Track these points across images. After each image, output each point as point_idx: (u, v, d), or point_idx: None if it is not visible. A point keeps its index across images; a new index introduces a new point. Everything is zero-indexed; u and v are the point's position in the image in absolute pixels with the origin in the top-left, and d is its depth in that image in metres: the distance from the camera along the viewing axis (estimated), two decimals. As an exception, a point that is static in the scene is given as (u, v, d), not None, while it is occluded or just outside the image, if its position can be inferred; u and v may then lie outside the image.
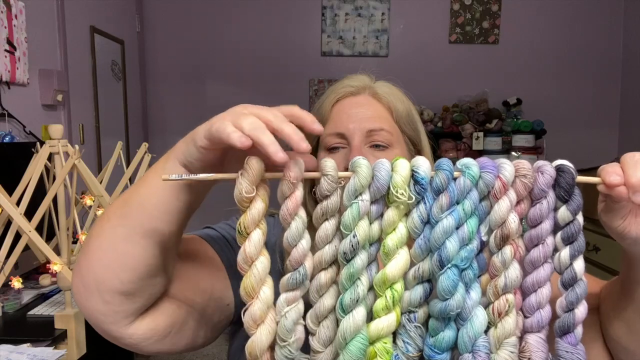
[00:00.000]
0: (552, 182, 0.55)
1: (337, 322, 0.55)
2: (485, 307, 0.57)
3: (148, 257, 0.57)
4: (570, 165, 0.56)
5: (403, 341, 0.57)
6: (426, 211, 0.55)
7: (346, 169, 0.55)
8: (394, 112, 0.83)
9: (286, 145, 0.51)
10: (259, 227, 0.53)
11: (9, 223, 1.53)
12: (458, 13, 3.92)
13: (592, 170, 0.60)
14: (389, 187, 0.54)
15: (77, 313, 1.55)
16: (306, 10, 3.95)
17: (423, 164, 0.54)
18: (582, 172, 0.56)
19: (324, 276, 0.55)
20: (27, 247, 1.54)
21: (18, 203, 1.51)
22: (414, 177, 0.54)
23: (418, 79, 3.73)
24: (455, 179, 0.55)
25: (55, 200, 1.56)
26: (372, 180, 0.54)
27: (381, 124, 0.80)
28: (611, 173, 0.54)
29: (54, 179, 1.60)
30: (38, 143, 1.84)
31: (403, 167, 0.54)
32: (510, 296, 0.56)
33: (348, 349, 0.54)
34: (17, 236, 1.51)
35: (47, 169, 1.74)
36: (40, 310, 1.75)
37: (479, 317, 0.55)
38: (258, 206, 0.52)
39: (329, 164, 0.53)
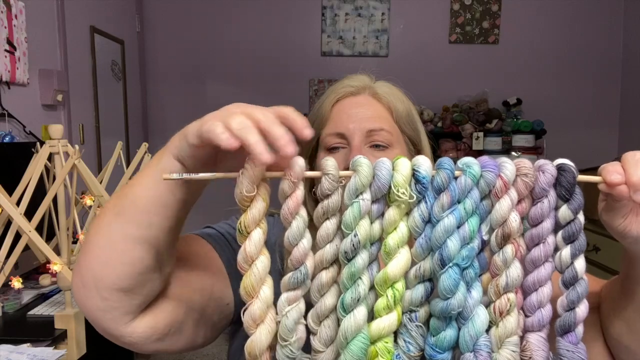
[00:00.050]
0: (553, 181, 0.55)
1: (338, 322, 0.55)
2: (487, 306, 0.57)
3: (145, 253, 0.57)
4: (572, 164, 0.56)
5: (404, 340, 0.57)
6: (427, 210, 0.54)
7: (346, 169, 0.55)
8: (394, 112, 0.83)
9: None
10: (259, 227, 0.53)
11: (9, 223, 1.53)
12: (458, 13, 3.92)
13: (592, 170, 0.59)
14: (390, 186, 0.54)
15: (77, 313, 1.55)
16: (306, 10, 3.95)
17: (424, 162, 0.54)
18: (582, 172, 0.56)
19: (325, 275, 0.55)
20: (27, 247, 1.54)
21: (18, 203, 1.51)
22: (415, 176, 0.54)
23: (418, 79, 3.72)
24: (456, 178, 0.55)
25: (55, 200, 1.56)
26: (373, 179, 0.54)
27: (381, 124, 0.80)
28: (612, 172, 0.54)
29: (54, 179, 1.60)
30: (38, 143, 1.84)
31: (404, 166, 0.54)
32: (511, 295, 0.56)
33: (349, 348, 0.54)
34: (17, 236, 1.51)
35: (47, 169, 1.74)
36: (40, 310, 1.75)
37: (481, 316, 0.55)
38: (259, 205, 0.52)
39: (330, 162, 0.53)
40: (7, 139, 2.13)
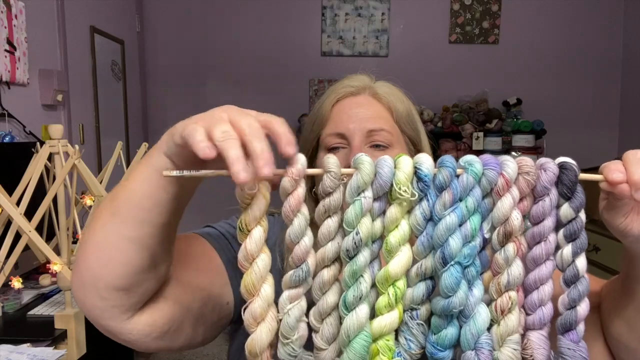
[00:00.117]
0: (554, 179, 0.55)
1: (340, 320, 0.55)
2: (488, 304, 0.57)
3: (141, 250, 0.57)
4: (573, 162, 0.56)
5: (405, 338, 0.57)
6: (429, 208, 0.54)
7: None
8: (394, 112, 0.83)
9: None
10: (260, 225, 0.53)
11: (9, 223, 1.53)
12: (458, 13, 3.92)
13: (592, 170, 0.59)
14: (391, 184, 0.54)
15: (77, 313, 1.55)
16: (306, 10, 3.95)
17: (426, 160, 0.54)
18: (582, 171, 0.56)
19: (327, 273, 0.55)
20: (27, 247, 1.54)
21: (18, 203, 1.50)
22: (416, 174, 0.54)
23: (418, 79, 3.72)
24: (458, 176, 0.55)
25: (55, 200, 1.56)
26: (375, 177, 0.54)
27: (381, 124, 0.80)
28: (614, 170, 0.54)
29: (54, 179, 1.60)
30: (38, 143, 1.84)
31: (406, 164, 0.54)
32: (512, 293, 0.56)
33: (352, 346, 0.54)
34: (17, 236, 1.51)
35: (47, 169, 1.74)
36: (40, 310, 1.75)
37: (482, 314, 0.55)
38: (259, 203, 0.52)
39: (331, 160, 0.53)
40: (7, 139, 2.13)
